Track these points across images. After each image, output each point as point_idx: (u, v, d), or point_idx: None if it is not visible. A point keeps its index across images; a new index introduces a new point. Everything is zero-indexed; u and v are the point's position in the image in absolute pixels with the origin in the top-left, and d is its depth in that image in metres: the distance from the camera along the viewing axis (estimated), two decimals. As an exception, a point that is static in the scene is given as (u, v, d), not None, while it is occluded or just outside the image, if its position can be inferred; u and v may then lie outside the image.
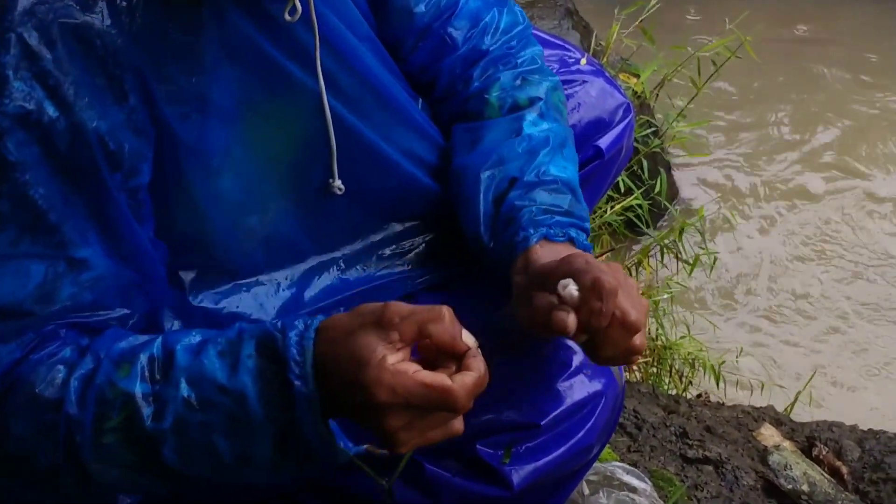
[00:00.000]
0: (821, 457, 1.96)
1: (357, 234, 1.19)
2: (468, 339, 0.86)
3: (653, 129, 2.65)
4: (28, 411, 0.88)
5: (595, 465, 1.54)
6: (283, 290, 1.14)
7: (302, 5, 1.01)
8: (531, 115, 1.21)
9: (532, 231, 1.08)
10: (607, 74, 1.53)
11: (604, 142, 1.48)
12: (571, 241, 1.09)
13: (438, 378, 0.83)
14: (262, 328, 0.89)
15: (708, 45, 2.38)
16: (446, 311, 0.86)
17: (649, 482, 1.59)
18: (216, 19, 0.98)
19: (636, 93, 2.62)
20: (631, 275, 2.35)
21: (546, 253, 1.07)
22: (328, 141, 1.09)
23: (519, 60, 1.26)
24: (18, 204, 0.88)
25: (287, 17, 1.00)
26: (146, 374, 0.89)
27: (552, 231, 1.09)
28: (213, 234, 1.05)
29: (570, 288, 0.92)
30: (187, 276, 1.07)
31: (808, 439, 2.01)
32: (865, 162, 3.39)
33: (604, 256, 2.26)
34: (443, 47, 1.24)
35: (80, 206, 0.92)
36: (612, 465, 1.60)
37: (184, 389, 0.88)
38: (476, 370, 0.85)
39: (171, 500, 0.96)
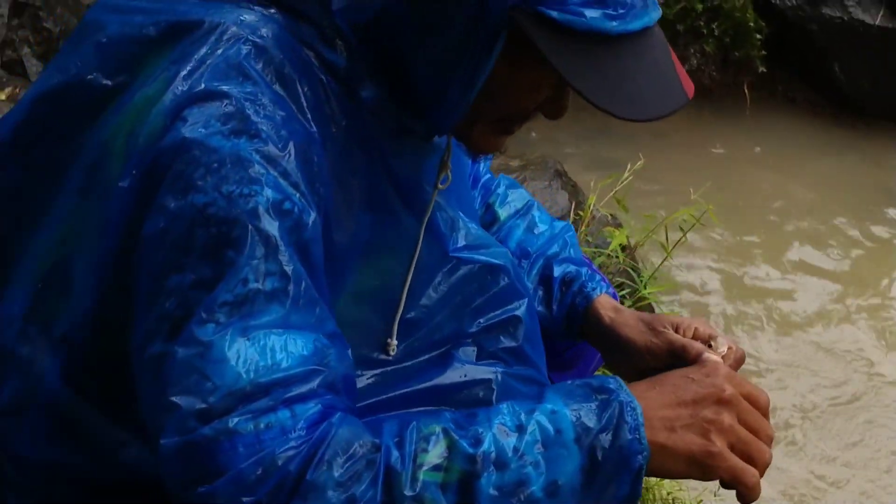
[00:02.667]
0: None
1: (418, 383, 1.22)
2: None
3: (629, 289, 2.84)
4: (346, 454, 0.92)
5: None
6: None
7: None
8: (537, 213, 1.54)
9: (595, 286, 1.41)
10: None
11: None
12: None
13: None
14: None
15: (675, 213, 2.59)
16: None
17: None
18: (368, 165, 1.10)
19: (623, 247, 2.88)
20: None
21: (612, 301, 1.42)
22: (399, 301, 1.17)
23: (497, 180, 1.57)
24: (286, 280, 0.95)
25: (440, 185, 1.17)
26: (452, 421, 0.97)
27: (606, 288, 1.43)
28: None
29: (725, 347, 1.30)
30: None
31: None
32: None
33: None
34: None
35: (319, 289, 1.01)
36: None
37: (495, 419, 0.97)
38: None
39: None
